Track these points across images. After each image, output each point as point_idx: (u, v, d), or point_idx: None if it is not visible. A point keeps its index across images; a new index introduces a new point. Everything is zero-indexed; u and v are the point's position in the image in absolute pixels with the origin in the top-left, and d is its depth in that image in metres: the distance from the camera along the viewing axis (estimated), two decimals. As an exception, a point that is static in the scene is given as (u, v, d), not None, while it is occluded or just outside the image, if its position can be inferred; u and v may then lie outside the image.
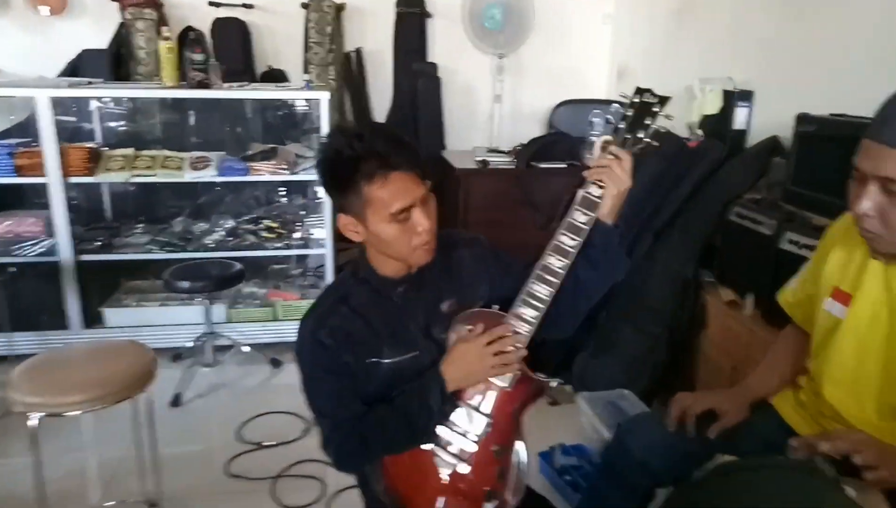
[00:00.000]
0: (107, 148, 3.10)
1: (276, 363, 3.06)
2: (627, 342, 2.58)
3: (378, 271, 1.26)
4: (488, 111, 3.90)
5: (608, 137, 1.17)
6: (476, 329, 1.23)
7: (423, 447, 1.29)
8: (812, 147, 2.19)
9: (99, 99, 3.27)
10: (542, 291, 1.21)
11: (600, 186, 1.17)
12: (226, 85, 2.98)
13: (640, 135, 1.16)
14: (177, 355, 3.09)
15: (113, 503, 2.13)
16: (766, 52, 2.69)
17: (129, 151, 3.03)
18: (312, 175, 3.08)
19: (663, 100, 1.15)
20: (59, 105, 2.82)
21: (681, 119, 2.92)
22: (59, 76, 3.38)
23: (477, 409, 1.28)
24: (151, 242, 3.09)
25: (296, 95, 3.28)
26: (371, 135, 1.11)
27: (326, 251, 3.12)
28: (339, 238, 3.33)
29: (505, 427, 1.29)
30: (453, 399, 1.26)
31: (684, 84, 2.95)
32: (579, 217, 1.17)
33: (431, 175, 1.18)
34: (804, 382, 1.41)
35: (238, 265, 2.89)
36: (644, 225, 2.77)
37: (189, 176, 2.97)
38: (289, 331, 3.10)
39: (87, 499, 2.18)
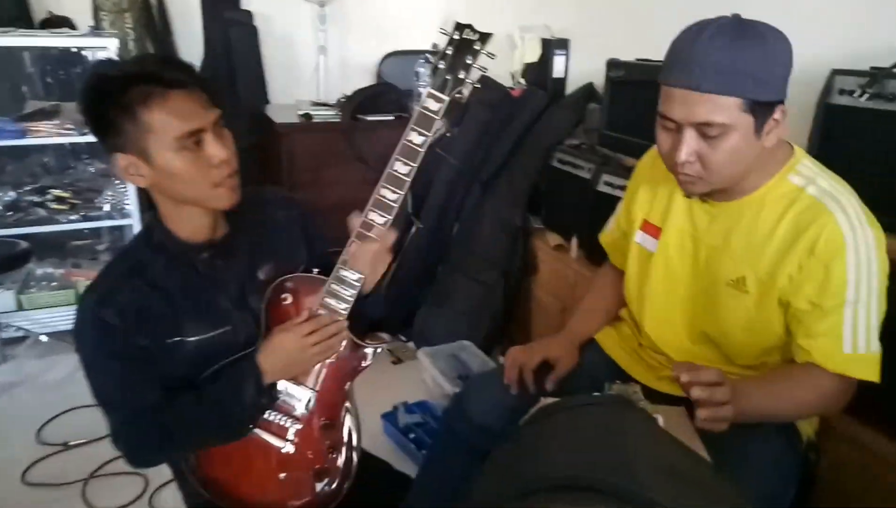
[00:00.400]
0: None
1: (83, 352, 2.70)
2: (463, 292, 2.59)
3: (176, 234, 1.09)
4: (313, 63, 3.68)
5: (432, 91, 1.07)
6: (297, 314, 1.14)
7: None
8: (622, 92, 2.26)
9: None
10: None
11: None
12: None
13: (462, 76, 1.06)
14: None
15: None
16: (580, 1, 2.76)
17: None
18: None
19: (484, 37, 1.07)
20: None
21: (504, 68, 2.93)
22: None
23: (299, 383, 1.17)
24: None
25: (76, 42, 2.84)
26: (141, 57, 0.97)
27: (133, 221, 2.78)
28: (148, 204, 3.00)
29: (332, 400, 1.20)
30: (271, 392, 1.15)
31: (505, 32, 2.95)
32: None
33: (223, 104, 1.05)
34: (625, 315, 1.45)
35: (23, 244, 2.49)
36: (472, 175, 2.78)
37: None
38: (96, 314, 2.75)
39: None
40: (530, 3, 3.10)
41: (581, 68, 2.76)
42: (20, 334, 2.68)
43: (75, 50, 2.98)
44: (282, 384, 1.17)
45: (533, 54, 2.86)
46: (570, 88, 2.80)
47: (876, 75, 1.45)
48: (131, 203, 2.78)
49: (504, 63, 2.90)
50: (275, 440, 1.18)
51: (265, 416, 1.17)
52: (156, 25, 3.46)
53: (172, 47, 3.51)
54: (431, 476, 1.44)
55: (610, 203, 2.01)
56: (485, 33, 1.08)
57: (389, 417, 2.19)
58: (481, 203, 2.68)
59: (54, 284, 2.82)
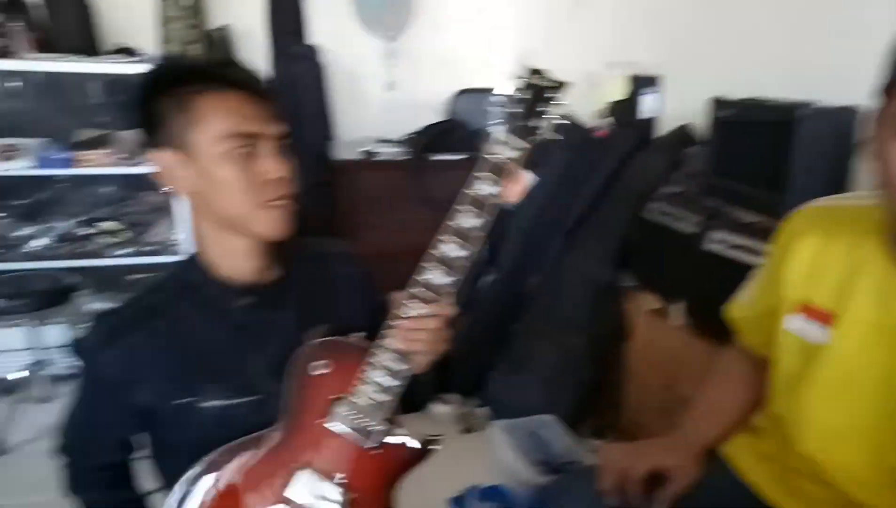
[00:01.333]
0: None
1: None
2: (543, 357, 2.34)
3: (214, 270, 0.92)
4: (380, 99, 3.57)
5: (503, 136, 0.92)
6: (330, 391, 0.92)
7: None
8: (731, 134, 2.02)
9: None
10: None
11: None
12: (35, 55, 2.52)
13: (534, 125, 0.92)
14: (7, 388, 2.55)
15: None
16: (672, 33, 2.62)
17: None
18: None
19: (558, 85, 0.93)
20: None
21: (586, 107, 2.75)
22: None
23: (327, 477, 0.92)
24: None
25: (138, 69, 2.75)
26: (208, 56, 0.83)
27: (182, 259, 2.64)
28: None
29: (372, 502, 0.94)
30: None
31: (588, 69, 2.74)
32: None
33: (286, 126, 0.91)
34: (768, 425, 1.13)
35: (69, 278, 2.38)
36: (552, 226, 2.56)
37: (-7, 169, 2.42)
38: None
39: None
40: (616, 37, 2.97)
41: (672, 107, 2.56)
42: (70, 371, 2.53)
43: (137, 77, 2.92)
44: (306, 480, 0.92)
45: (619, 92, 2.66)
46: (664, 128, 2.57)
47: None
48: (182, 240, 2.65)
49: (587, 102, 2.74)
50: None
51: None
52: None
53: (237, 80, 3.46)
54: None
55: (721, 265, 1.83)
56: (559, 81, 0.95)
57: (458, 503, 1.92)
58: (564, 256, 2.45)
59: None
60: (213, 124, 0.85)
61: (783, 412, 1.06)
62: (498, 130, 0.94)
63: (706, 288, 1.89)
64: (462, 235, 0.91)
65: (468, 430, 2.44)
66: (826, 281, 1.00)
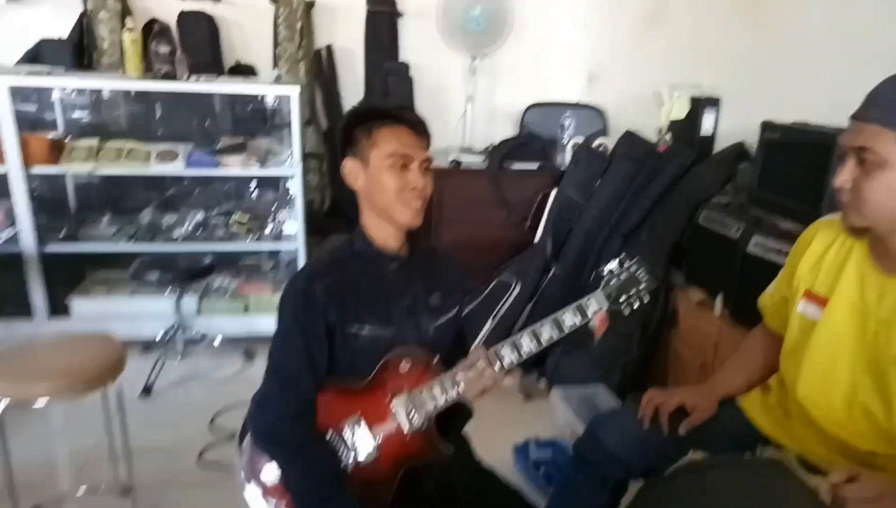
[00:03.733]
0: (70, 138, 3.00)
1: (248, 355, 3.03)
2: (600, 340, 2.63)
3: (374, 242, 1.31)
4: (460, 111, 3.88)
5: (596, 297, 1.28)
6: (399, 383, 1.27)
7: None
8: (776, 153, 2.23)
9: (62, 89, 3.16)
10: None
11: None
12: (192, 78, 2.93)
13: (622, 301, 1.29)
14: (147, 346, 3.04)
15: (84, 489, 2.08)
16: (731, 60, 2.76)
17: (94, 141, 2.95)
18: (283, 170, 3.06)
19: (649, 286, 1.31)
20: (17, 94, 2.73)
21: (650, 125, 2.99)
22: (16, 64, 3.26)
23: (371, 433, 1.29)
24: (118, 232, 3.02)
25: (265, 90, 3.25)
26: (393, 103, 1.27)
27: (298, 246, 3.10)
28: (310, 231, 3.32)
29: (386, 468, 1.29)
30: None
31: (652, 89, 2.99)
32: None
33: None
34: (773, 383, 1.46)
35: (208, 259, 2.85)
36: (614, 227, 2.84)
37: (156, 168, 2.92)
38: (260, 325, 3.07)
39: (58, 487, 2.12)
40: (680, 59, 3.13)
41: (730, 127, 2.75)
42: (199, 335, 3.02)
43: (260, 96, 3.40)
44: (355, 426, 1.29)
45: (681, 111, 2.88)
46: (719, 146, 2.78)
47: None
48: (298, 232, 3.09)
49: (651, 119, 2.98)
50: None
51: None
52: (325, 73, 3.86)
53: (337, 93, 3.90)
54: (562, 502, 1.55)
55: (759, 265, 2.04)
56: (651, 281, 1.31)
57: (521, 450, 2.28)
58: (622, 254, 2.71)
59: (228, 295, 3.18)
60: (385, 146, 1.25)
61: (786, 373, 1.39)
62: (597, 291, 1.27)
63: (745, 285, 2.11)
64: (537, 338, 1.25)
65: (530, 397, 2.75)
66: (824, 273, 1.33)
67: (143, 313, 3.06)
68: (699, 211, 2.45)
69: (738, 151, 2.61)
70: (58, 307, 2.99)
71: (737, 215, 2.29)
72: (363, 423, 1.28)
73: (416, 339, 1.32)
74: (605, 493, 1.50)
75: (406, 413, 1.27)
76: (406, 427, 1.27)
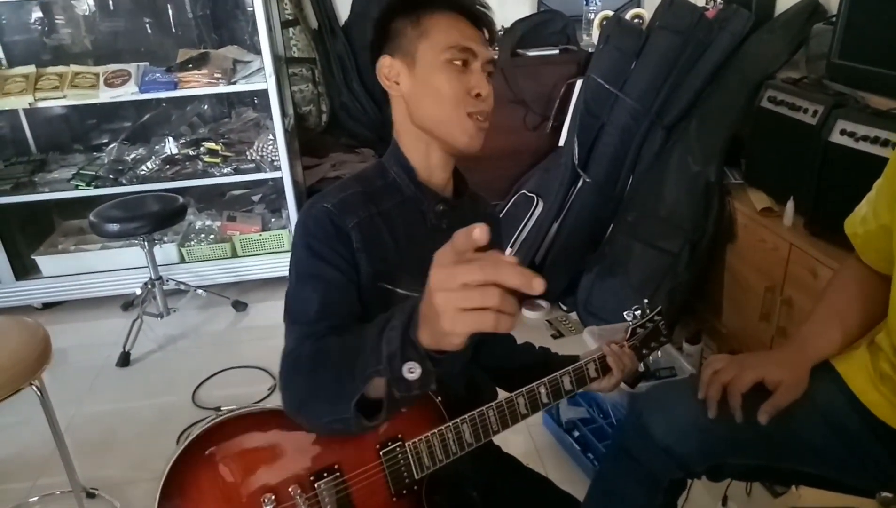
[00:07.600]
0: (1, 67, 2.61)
1: (239, 306, 2.73)
2: (639, 261, 2.25)
3: (416, 172, 1.02)
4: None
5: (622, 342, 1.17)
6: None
7: None
8: (865, 9, 1.80)
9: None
10: None
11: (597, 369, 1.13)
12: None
13: (644, 351, 1.19)
14: (128, 303, 2.78)
15: (36, 499, 1.84)
16: None
17: (30, 69, 2.54)
18: (255, 84, 2.61)
19: (668, 338, 1.23)
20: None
21: None
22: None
23: None
24: (77, 176, 2.65)
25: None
26: None
27: (283, 174, 2.69)
28: (307, 152, 2.90)
29: None
30: (421, 351, 0.75)
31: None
32: (565, 383, 1.10)
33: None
34: (884, 343, 1.04)
35: (179, 199, 2.49)
36: (654, 118, 2.39)
37: (105, 95, 2.51)
38: (250, 269, 2.77)
39: (9, 499, 1.87)
40: None
41: None
42: (182, 288, 2.73)
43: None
44: None
45: None
46: (783, 5, 2.27)
47: None
48: (282, 156, 2.68)
49: None
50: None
51: None
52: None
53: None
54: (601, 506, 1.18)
55: (846, 159, 1.68)
56: (668, 337, 1.23)
57: (550, 408, 1.93)
58: (664, 153, 2.28)
59: (212, 237, 2.85)
60: (439, 37, 0.95)
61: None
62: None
63: (826, 185, 1.76)
64: (555, 390, 1.06)
65: (558, 335, 2.42)
66: None
67: (118, 266, 2.76)
68: (762, 91, 2.05)
69: (812, 8, 2.15)
70: (25, 267, 2.72)
71: (812, 93, 1.89)
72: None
73: None
74: (657, 495, 1.13)
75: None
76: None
